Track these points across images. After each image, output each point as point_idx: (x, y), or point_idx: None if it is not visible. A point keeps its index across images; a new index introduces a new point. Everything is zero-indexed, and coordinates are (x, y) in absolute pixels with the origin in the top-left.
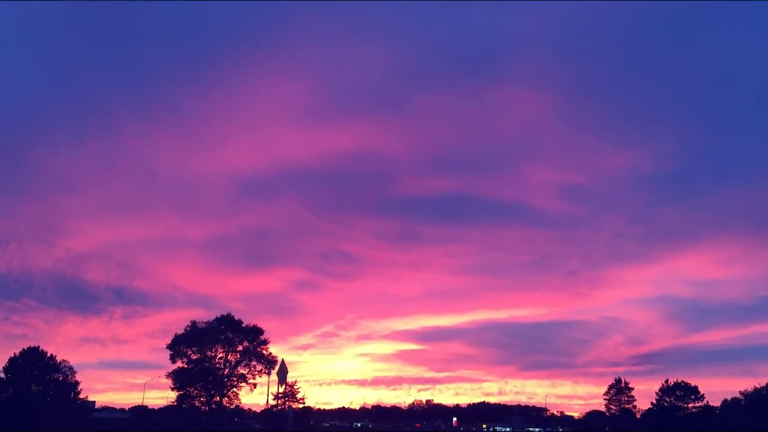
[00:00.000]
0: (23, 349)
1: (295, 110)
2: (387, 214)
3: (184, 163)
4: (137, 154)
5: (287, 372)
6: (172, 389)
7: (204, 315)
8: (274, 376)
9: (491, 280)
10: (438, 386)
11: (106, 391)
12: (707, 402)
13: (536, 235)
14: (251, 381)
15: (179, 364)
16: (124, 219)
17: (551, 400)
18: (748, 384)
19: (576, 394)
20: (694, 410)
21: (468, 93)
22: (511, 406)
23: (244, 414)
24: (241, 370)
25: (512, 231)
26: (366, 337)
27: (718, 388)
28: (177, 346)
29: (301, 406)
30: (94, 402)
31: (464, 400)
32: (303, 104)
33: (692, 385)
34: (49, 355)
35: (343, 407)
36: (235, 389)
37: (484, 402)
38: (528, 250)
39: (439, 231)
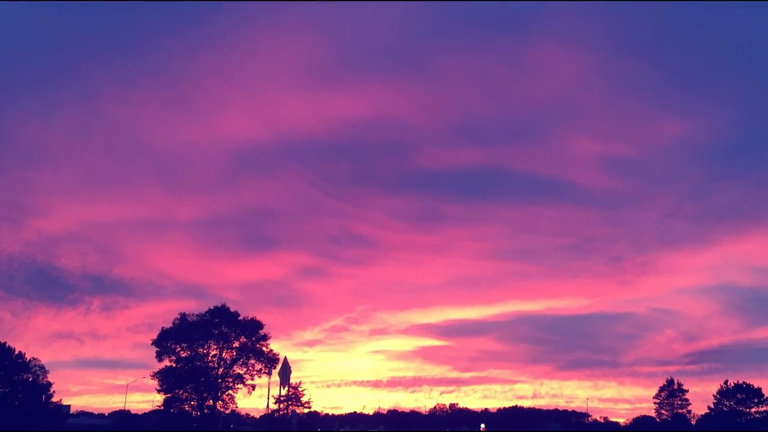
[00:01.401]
0: None
1: (301, 71)
2: (406, 191)
3: (172, 133)
4: (118, 122)
5: (290, 372)
6: (159, 392)
7: (195, 306)
8: (275, 377)
9: (525, 266)
10: (463, 388)
11: (83, 393)
12: None
13: (576, 215)
14: (249, 382)
15: (166, 362)
16: (103, 196)
17: (594, 404)
18: None
19: (622, 398)
20: (757, 415)
21: (499, 52)
22: (548, 411)
23: (241, 420)
24: (238, 370)
25: (549, 210)
26: (381, 332)
27: None
28: (164, 342)
29: (306, 410)
30: (68, 406)
31: (494, 404)
32: (309, 64)
33: (755, 386)
34: (17, 352)
35: (355, 412)
36: (230, 391)
37: (516, 406)
38: (567, 232)
39: (466, 210)
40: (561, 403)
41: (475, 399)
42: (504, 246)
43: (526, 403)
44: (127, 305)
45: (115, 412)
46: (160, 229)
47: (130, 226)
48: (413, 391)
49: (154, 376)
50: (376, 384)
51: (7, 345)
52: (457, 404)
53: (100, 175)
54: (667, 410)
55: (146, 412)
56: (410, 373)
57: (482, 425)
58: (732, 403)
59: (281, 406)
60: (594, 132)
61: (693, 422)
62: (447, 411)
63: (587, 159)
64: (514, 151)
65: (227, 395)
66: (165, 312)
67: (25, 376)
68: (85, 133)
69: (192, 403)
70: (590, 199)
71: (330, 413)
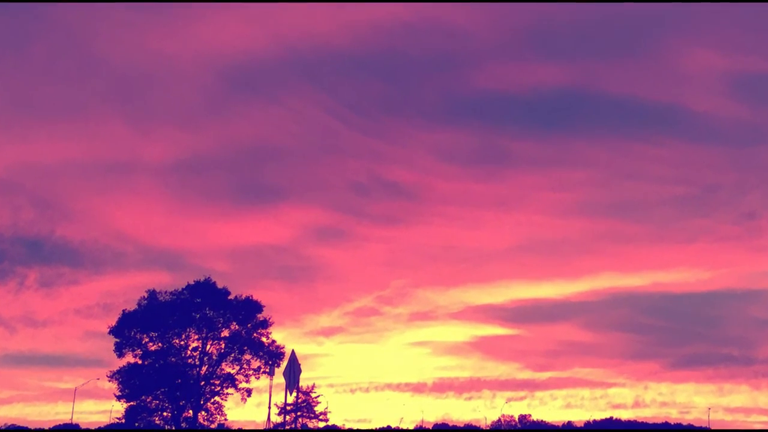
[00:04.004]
0: None
1: None
2: (459, 122)
3: (139, 43)
4: (65, 28)
5: (300, 371)
6: (119, 398)
7: (169, 281)
8: (279, 378)
9: (623, 225)
10: (538, 394)
11: (14, 400)
12: None
13: (694, 155)
14: (243, 385)
15: (129, 358)
16: (43, 130)
17: (718, 416)
18: None
19: (757, 406)
20: None
21: None
22: (655, 425)
23: None
24: (228, 369)
25: (656, 148)
26: (425, 317)
27: None
28: (126, 329)
29: (322, 424)
30: None
31: (580, 416)
32: None
33: None
34: None
35: (389, 426)
36: (217, 398)
37: (611, 418)
38: (681, 179)
39: (541, 148)
40: (672, 414)
41: (554, 408)
42: (594, 197)
43: (624, 415)
44: (76, 279)
45: (59, 426)
46: (121, 175)
47: (79, 170)
48: (469, 398)
49: (113, 377)
50: (419, 388)
51: None
52: (530, 416)
53: (39, 101)
54: None
55: (101, 426)
56: (465, 374)
57: None
58: None
59: (287, 418)
60: (719, 41)
61: None
62: (516, 425)
63: (709, 78)
64: (607, 67)
65: (213, 403)
66: (127, 289)
67: None
68: (19, 44)
69: (164, 414)
70: (713, 133)
71: (355, 428)
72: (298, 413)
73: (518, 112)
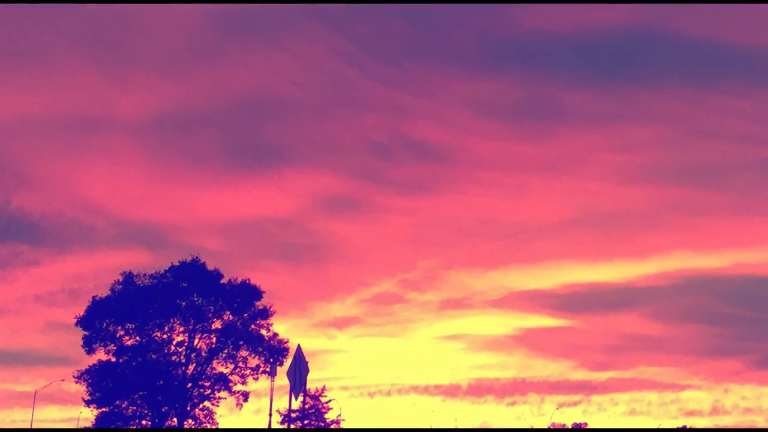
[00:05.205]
0: None
1: None
2: (500, 69)
3: None
4: None
5: (307, 370)
6: (88, 404)
7: (148, 261)
8: (283, 379)
9: (698, 193)
10: (596, 398)
11: None
12: None
13: None
14: (239, 388)
15: (101, 355)
16: None
17: None
18: None
19: None
20: None
21: None
22: None
23: None
24: (220, 368)
25: (738, 100)
26: (458, 305)
27: None
28: (97, 320)
29: None
30: None
31: (646, 424)
32: None
33: None
34: None
35: None
36: (207, 403)
37: (684, 427)
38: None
39: (599, 100)
40: (759, 422)
41: (614, 415)
42: (663, 160)
43: (700, 423)
44: (36, 259)
45: None
46: (92, 133)
47: (40, 127)
48: (512, 403)
49: (81, 377)
50: (451, 391)
51: None
52: (586, 424)
53: None
54: None
55: None
56: (508, 374)
57: None
58: None
59: (292, 426)
60: None
61: None
62: None
63: None
64: (680, 3)
65: (202, 409)
66: (98, 271)
67: None
68: None
69: (143, 422)
70: None
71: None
72: (305, 421)
73: (572, 58)
